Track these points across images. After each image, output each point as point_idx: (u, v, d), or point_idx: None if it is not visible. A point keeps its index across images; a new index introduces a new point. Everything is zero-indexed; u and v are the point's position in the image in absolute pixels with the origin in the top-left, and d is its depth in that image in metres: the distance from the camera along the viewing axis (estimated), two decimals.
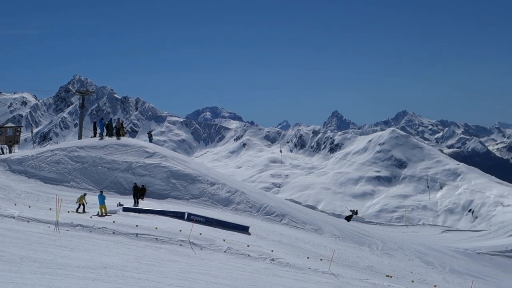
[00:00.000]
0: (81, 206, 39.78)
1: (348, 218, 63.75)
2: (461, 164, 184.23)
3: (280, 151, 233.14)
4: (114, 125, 54.16)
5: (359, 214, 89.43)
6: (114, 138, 52.33)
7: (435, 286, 32.77)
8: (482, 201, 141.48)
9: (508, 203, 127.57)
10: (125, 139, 53.20)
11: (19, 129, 68.15)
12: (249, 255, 32.69)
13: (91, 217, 36.34)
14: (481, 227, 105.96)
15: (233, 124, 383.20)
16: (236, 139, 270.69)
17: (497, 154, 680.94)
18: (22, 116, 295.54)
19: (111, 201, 40.73)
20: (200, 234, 34.80)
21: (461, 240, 57.42)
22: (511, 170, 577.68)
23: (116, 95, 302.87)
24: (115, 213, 38.92)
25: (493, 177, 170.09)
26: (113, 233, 32.73)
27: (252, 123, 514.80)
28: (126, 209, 40.40)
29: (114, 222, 34.83)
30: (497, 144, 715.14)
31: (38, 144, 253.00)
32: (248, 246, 34.40)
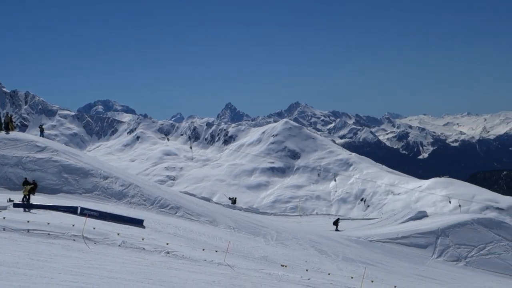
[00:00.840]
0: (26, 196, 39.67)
1: (336, 223, 61.86)
2: (353, 154, 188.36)
3: (190, 147, 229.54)
4: (3, 119, 52.76)
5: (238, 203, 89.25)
6: (3, 133, 50.96)
7: (328, 274, 33.42)
8: (374, 190, 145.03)
9: (399, 192, 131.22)
10: (15, 134, 51.88)
11: None
12: (144, 248, 32.48)
13: None
14: (373, 215, 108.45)
15: (126, 117, 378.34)
16: (130, 132, 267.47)
17: (388, 143, 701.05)
18: None
19: (1, 197, 39.63)
20: (94, 228, 34.31)
21: (354, 229, 58.68)
22: (401, 159, 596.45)
23: (4, 89, 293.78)
24: (5, 209, 37.87)
25: (384, 166, 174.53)
26: (4, 229, 31.85)
27: (145, 116, 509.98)
28: (16, 205, 39.37)
29: (4, 218, 33.88)
30: (387, 134, 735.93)
31: None
32: (143, 239, 34.18)
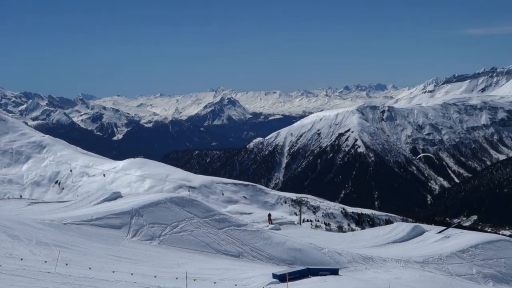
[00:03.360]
0: None
1: None
2: (47, 136, 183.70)
3: None
4: None
5: None
6: None
7: (21, 259, 32.45)
8: (68, 172, 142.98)
9: (94, 173, 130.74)
10: None
11: None
12: None
13: None
14: (68, 198, 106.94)
15: None
16: None
17: (82, 125, 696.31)
18: None
19: None
20: None
21: (48, 212, 57.39)
22: (96, 141, 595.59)
23: None
24: None
25: (78, 148, 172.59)
26: None
27: None
28: None
29: None
30: (81, 115, 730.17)
31: None
32: None
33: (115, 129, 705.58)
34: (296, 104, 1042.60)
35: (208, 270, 35.89)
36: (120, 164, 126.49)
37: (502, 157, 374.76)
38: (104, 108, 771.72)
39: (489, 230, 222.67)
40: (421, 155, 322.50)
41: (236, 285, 32.34)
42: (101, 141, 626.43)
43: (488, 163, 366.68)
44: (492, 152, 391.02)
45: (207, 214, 49.05)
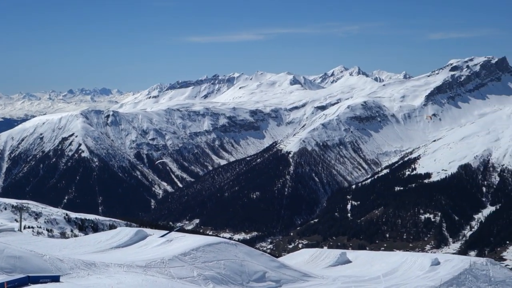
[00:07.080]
0: None
1: None
2: None
3: None
4: None
5: None
6: None
7: None
8: None
9: None
10: None
11: None
12: None
13: None
14: None
15: None
16: None
17: None
18: None
19: None
20: None
21: None
22: None
23: None
24: None
25: None
26: None
27: None
28: None
29: None
30: None
31: None
32: None
33: None
34: (17, 107, 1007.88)
35: None
36: None
37: (223, 162, 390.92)
38: None
39: (211, 233, 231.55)
40: (158, 161, 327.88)
41: None
42: None
43: (210, 168, 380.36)
44: (214, 157, 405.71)
45: None
